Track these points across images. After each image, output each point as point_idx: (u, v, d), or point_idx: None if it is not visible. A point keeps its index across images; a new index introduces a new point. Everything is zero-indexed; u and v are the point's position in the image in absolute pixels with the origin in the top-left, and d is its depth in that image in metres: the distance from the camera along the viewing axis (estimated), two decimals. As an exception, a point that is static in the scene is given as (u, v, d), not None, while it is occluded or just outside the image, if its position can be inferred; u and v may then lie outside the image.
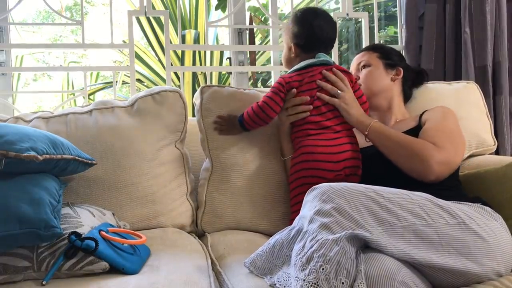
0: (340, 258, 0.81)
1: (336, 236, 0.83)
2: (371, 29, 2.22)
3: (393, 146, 1.23)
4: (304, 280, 0.81)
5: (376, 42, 2.16)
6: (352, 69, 1.56)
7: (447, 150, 1.19)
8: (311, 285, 0.80)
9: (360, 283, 0.79)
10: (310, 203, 0.93)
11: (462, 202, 1.05)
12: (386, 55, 1.52)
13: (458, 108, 1.49)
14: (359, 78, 1.50)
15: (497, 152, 1.91)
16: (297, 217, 0.98)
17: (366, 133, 1.28)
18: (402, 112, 1.49)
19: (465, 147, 1.41)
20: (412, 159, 1.18)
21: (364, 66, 1.51)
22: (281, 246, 0.97)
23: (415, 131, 1.31)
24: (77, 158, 1.15)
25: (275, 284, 0.91)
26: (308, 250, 0.84)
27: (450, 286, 0.90)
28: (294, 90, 1.32)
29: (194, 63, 2.92)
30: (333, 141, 1.28)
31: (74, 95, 3.03)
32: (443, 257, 0.87)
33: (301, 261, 0.84)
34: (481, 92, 1.73)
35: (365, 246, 0.88)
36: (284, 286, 0.88)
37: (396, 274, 0.81)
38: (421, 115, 1.39)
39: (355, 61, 1.55)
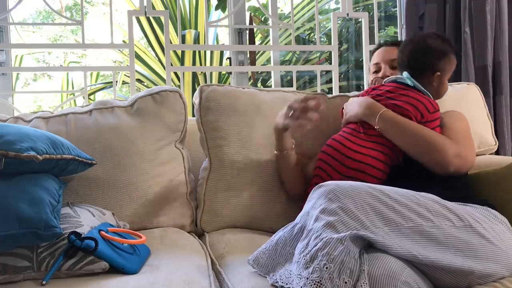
0: (344, 258, 0.81)
1: (341, 235, 0.83)
2: (371, 29, 2.22)
3: (408, 137, 1.21)
4: (307, 279, 0.81)
5: (376, 42, 2.16)
6: (380, 60, 1.52)
7: (461, 144, 1.20)
8: (314, 284, 0.79)
9: (363, 283, 0.79)
10: (316, 200, 0.93)
11: (468, 204, 1.05)
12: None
13: (458, 108, 1.49)
14: (386, 76, 1.44)
15: (497, 152, 1.91)
16: (300, 214, 0.98)
17: (377, 127, 1.25)
18: None
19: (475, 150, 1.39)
20: (429, 150, 1.17)
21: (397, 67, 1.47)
22: (284, 244, 0.97)
23: None
24: (76, 158, 1.15)
25: (277, 282, 0.91)
26: (312, 249, 0.84)
27: (453, 287, 0.90)
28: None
29: (194, 63, 2.92)
30: (354, 145, 1.26)
31: (74, 95, 3.03)
32: (450, 258, 0.87)
33: (304, 259, 0.84)
34: (481, 93, 1.74)
35: (368, 246, 0.88)
36: (286, 284, 0.87)
37: (399, 274, 0.81)
38: None
39: (386, 54, 1.51)
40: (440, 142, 1.18)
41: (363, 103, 1.30)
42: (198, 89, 1.49)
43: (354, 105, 1.33)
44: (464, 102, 1.66)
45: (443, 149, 1.16)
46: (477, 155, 1.63)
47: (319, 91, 2.03)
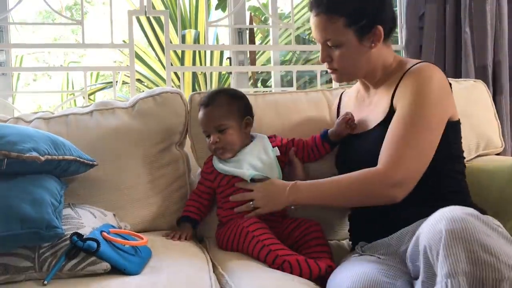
0: None
1: None
2: (371, 29, 2.21)
3: (339, 199, 1.13)
4: None
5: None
6: (317, 40, 1.18)
7: (402, 163, 1.03)
8: None
9: None
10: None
11: None
12: (354, 17, 1.11)
13: (466, 106, 1.43)
14: (331, 60, 1.16)
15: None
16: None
17: (293, 207, 1.18)
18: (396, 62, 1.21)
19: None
20: (368, 199, 1.08)
21: (334, 46, 1.14)
22: None
23: (388, 120, 1.11)
24: (78, 159, 1.15)
25: None
26: None
27: None
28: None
29: (194, 63, 2.92)
30: None
31: (74, 95, 3.03)
32: None
33: None
34: (488, 91, 1.69)
35: None
36: None
37: None
38: (395, 90, 1.14)
39: (318, 34, 1.15)
40: (373, 187, 1.05)
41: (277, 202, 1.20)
42: (188, 97, 1.47)
43: (268, 202, 1.21)
44: (472, 101, 1.58)
45: (379, 192, 1.04)
46: (479, 156, 1.56)
47: (319, 91, 2.03)
